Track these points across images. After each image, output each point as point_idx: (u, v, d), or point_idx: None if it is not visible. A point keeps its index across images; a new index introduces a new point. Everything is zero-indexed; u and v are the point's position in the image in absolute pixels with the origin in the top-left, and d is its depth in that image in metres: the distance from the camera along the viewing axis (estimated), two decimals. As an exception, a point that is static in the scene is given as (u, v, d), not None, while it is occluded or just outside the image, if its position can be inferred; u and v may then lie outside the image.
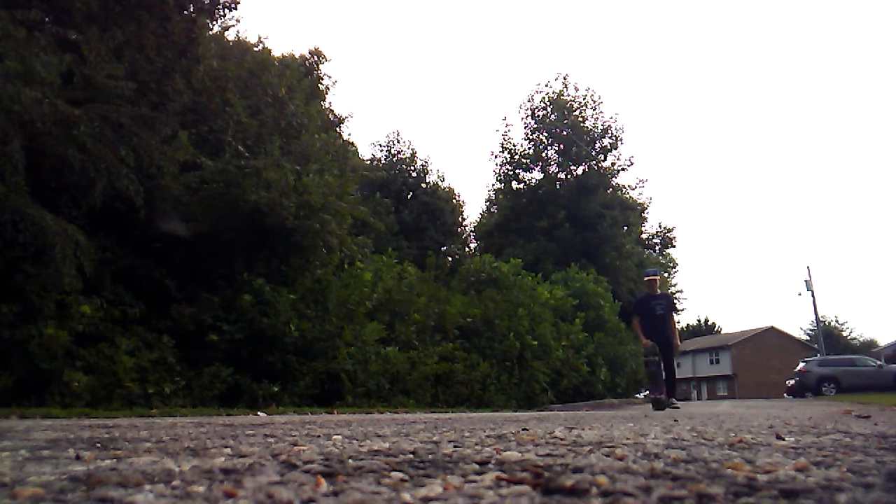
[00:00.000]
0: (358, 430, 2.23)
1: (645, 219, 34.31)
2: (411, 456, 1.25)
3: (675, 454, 1.24)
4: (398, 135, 34.37)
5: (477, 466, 1.07)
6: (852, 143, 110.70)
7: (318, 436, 1.91)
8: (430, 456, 1.23)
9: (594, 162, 32.34)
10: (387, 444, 1.53)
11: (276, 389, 8.79)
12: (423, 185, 31.17)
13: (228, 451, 1.38)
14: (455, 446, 1.46)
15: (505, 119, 44.39)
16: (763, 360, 56.12)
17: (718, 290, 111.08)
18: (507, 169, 33.20)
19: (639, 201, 33.24)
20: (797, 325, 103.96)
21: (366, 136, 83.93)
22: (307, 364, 9.53)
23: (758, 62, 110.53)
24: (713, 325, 73.81)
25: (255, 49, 15.63)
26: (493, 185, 34.07)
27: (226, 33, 14.68)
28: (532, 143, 33.01)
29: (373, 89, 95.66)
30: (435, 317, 12.79)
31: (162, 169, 8.98)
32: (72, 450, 1.45)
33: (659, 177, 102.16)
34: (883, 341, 49.85)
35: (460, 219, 33.22)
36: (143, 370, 7.71)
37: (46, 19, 8.64)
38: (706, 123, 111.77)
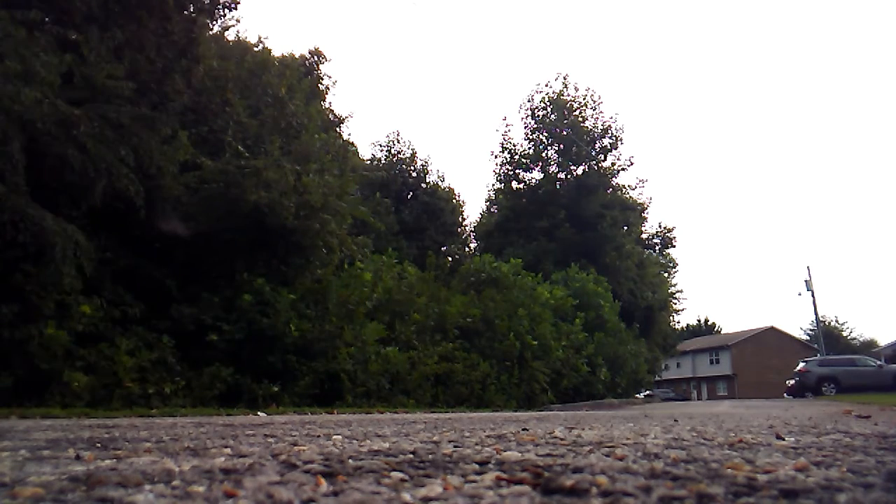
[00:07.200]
0: (358, 430, 2.22)
1: (645, 219, 34.32)
2: (411, 456, 1.25)
3: (675, 454, 1.24)
4: (398, 135, 34.33)
5: (477, 466, 1.07)
6: (852, 143, 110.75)
7: (318, 436, 1.90)
8: (430, 456, 1.23)
9: (594, 162, 32.34)
10: (387, 444, 1.53)
11: (275, 389, 8.79)
12: (423, 185, 31.15)
13: (228, 451, 1.38)
14: (455, 446, 1.45)
15: (505, 119, 44.41)
16: (763, 360, 56.10)
17: (718, 290, 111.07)
18: (507, 169, 33.20)
19: (639, 201, 33.24)
20: (797, 325, 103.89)
21: (366, 136, 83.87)
22: (307, 364, 9.53)
23: (758, 62, 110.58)
24: (713, 325, 73.84)
25: (255, 49, 15.63)
26: (493, 185, 34.09)
27: (226, 33, 14.70)
28: (532, 143, 33.00)
29: (373, 89, 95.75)
30: (435, 317, 12.78)
31: (162, 169, 8.98)
32: (72, 450, 1.45)
33: (659, 177, 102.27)
34: (883, 341, 49.83)
35: (460, 219, 33.20)
36: (143, 370, 7.72)
37: (46, 19, 8.63)
38: (706, 123, 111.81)
